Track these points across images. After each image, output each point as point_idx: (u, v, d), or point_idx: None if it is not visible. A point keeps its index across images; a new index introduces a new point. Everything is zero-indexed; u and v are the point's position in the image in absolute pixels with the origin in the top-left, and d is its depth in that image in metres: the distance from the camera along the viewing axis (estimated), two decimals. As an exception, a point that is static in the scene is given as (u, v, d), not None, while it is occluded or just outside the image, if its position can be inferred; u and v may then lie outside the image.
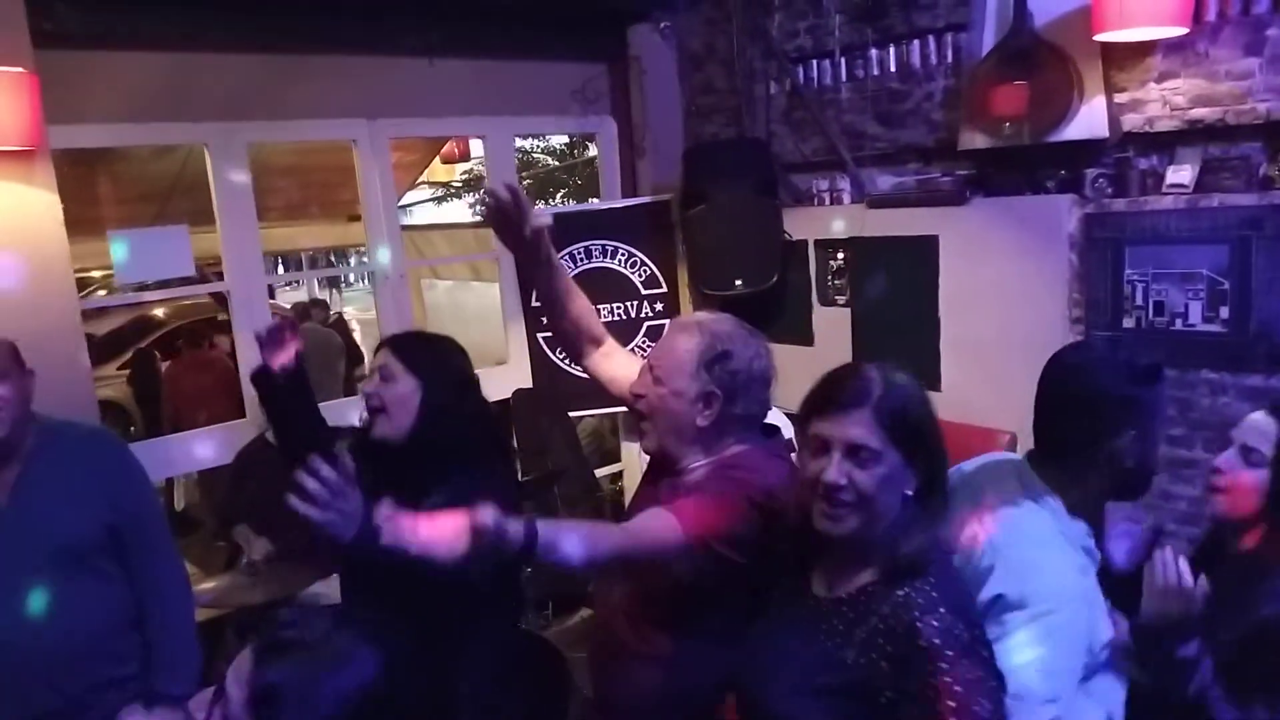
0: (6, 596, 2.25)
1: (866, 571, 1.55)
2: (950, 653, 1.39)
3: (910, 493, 1.52)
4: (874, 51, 4.26)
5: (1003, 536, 1.70)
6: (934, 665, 1.38)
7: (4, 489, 2.32)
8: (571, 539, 1.66)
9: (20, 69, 3.02)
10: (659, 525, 1.82)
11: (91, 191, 7.17)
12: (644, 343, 4.91)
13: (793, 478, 1.97)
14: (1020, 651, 1.55)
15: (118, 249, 3.77)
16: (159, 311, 9.85)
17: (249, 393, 3.95)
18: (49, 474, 2.36)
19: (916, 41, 4.11)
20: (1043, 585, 1.61)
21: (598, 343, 2.41)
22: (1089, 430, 1.72)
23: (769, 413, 2.19)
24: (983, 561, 1.68)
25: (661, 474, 2.15)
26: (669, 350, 2.08)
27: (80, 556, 2.38)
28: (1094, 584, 1.70)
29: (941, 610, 1.43)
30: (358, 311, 20.91)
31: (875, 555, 1.55)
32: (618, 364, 2.42)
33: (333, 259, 17.14)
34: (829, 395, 1.57)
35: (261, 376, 2.52)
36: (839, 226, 4.45)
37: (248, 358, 3.99)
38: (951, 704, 1.36)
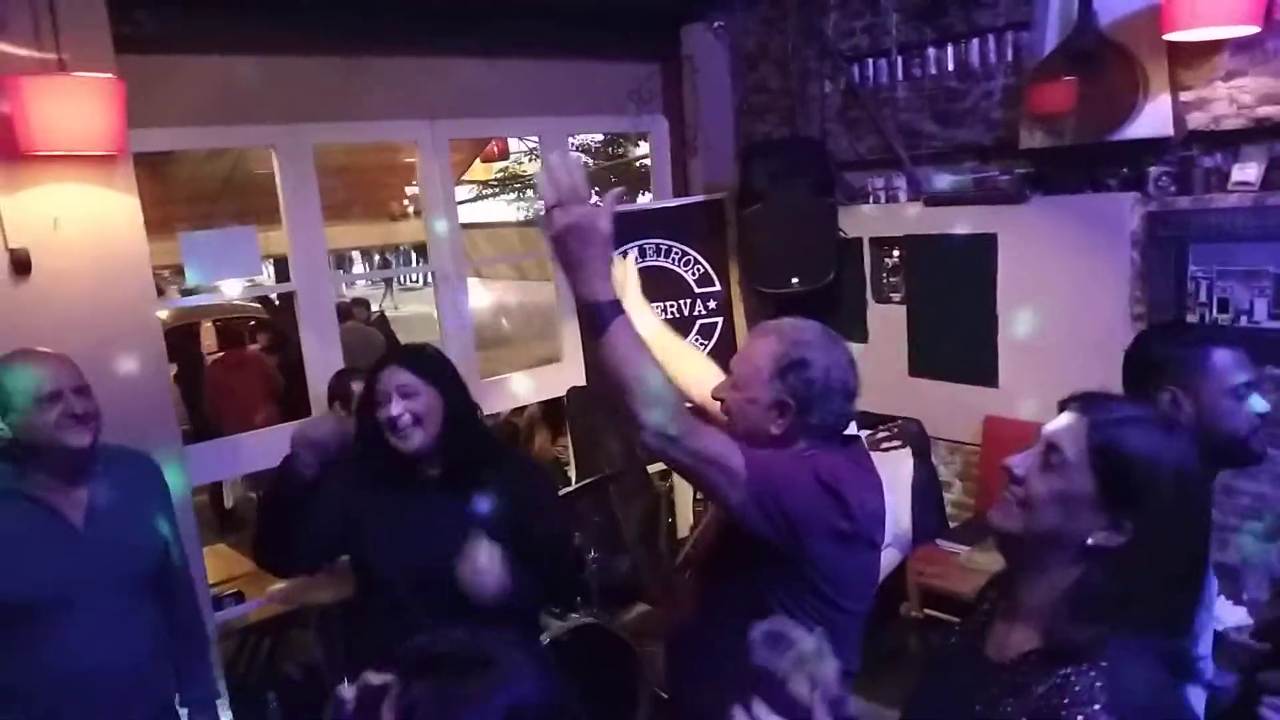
0: (89, 620, 2.22)
1: (1033, 636, 1.35)
2: None
3: (1093, 543, 1.29)
4: (932, 50, 4.28)
5: None
6: None
7: (78, 510, 2.28)
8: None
9: (108, 75, 3.09)
10: (724, 444, 1.81)
11: (143, 193, 7.27)
12: (697, 340, 4.95)
13: (869, 478, 2.01)
14: None
15: (189, 250, 3.84)
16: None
17: (315, 391, 4.03)
18: (115, 497, 2.32)
19: (976, 40, 4.11)
20: None
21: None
22: (1139, 394, 1.84)
23: (849, 424, 2.12)
24: None
25: None
26: (748, 355, 2.07)
27: (149, 579, 2.40)
28: None
29: (1097, 706, 1.21)
30: (390, 311, 21.15)
31: (1045, 618, 1.34)
32: (690, 370, 2.33)
33: (388, 258, 17.37)
34: (1074, 396, 1.42)
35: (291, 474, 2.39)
36: (910, 213, 4.46)
37: (314, 357, 4.08)
38: None
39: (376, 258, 17.66)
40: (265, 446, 4.03)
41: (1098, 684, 1.23)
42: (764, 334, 2.10)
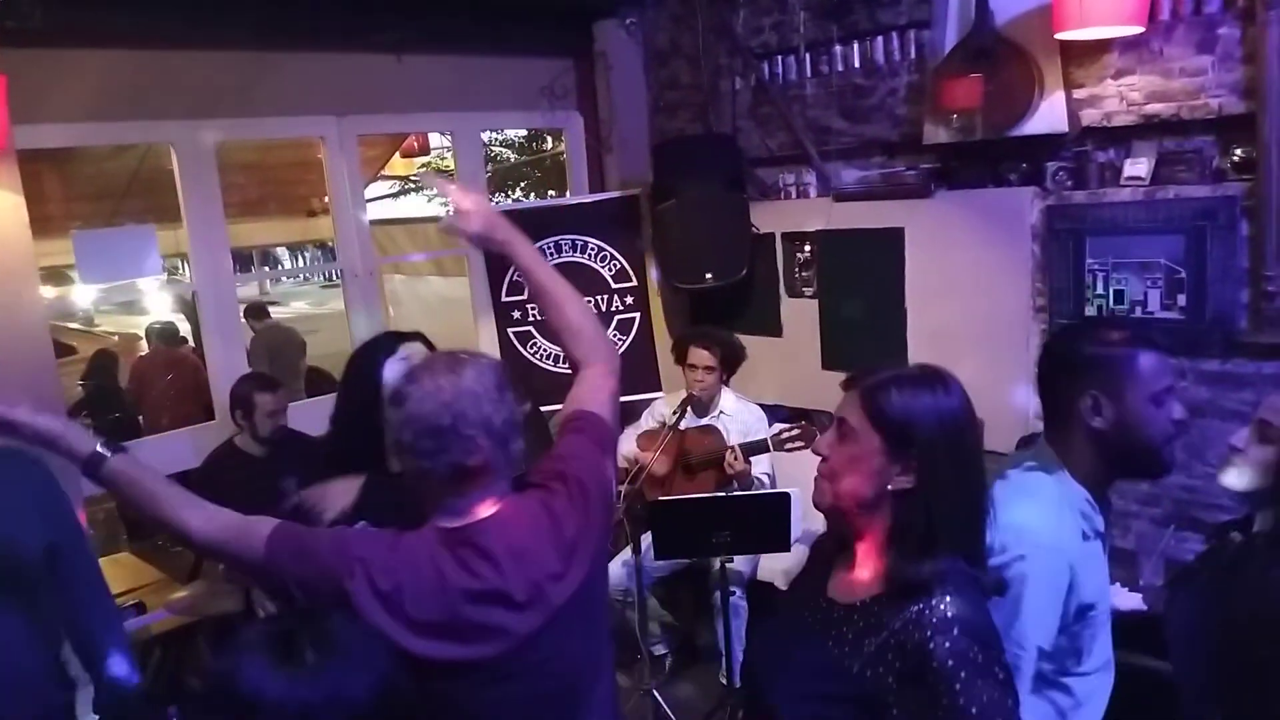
0: None
1: (875, 580, 1.50)
2: (963, 674, 1.35)
3: (892, 488, 1.48)
4: (838, 47, 4.34)
5: (999, 495, 1.78)
6: (946, 686, 1.35)
7: None
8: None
9: (-13, 70, 2.98)
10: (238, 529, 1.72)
11: (45, 190, 7.05)
12: (614, 336, 4.95)
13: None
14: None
15: (83, 250, 3.73)
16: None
17: (221, 398, 3.94)
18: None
19: (880, 38, 4.19)
20: (1017, 532, 1.70)
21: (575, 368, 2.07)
22: (1059, 395, 1.80)
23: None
24: None
25: None
26: None
27: (24, 583, 2.27)
28: (1079, 543, 1.75)
29: (955, 631, 1.38)
30: (311, 307, 20.80)
31: (881, 561, 1.51)
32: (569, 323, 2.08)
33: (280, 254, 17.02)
34: (851, 377, 1.59)
35: None
36: (820, 209, 4.52)
37: (217, 360, 3.99)
38: None
39: (308, 254, 17.34)
40: (179, 449, 3.94)
41: (948, 614, 1.39)
42: None
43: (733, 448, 3.95)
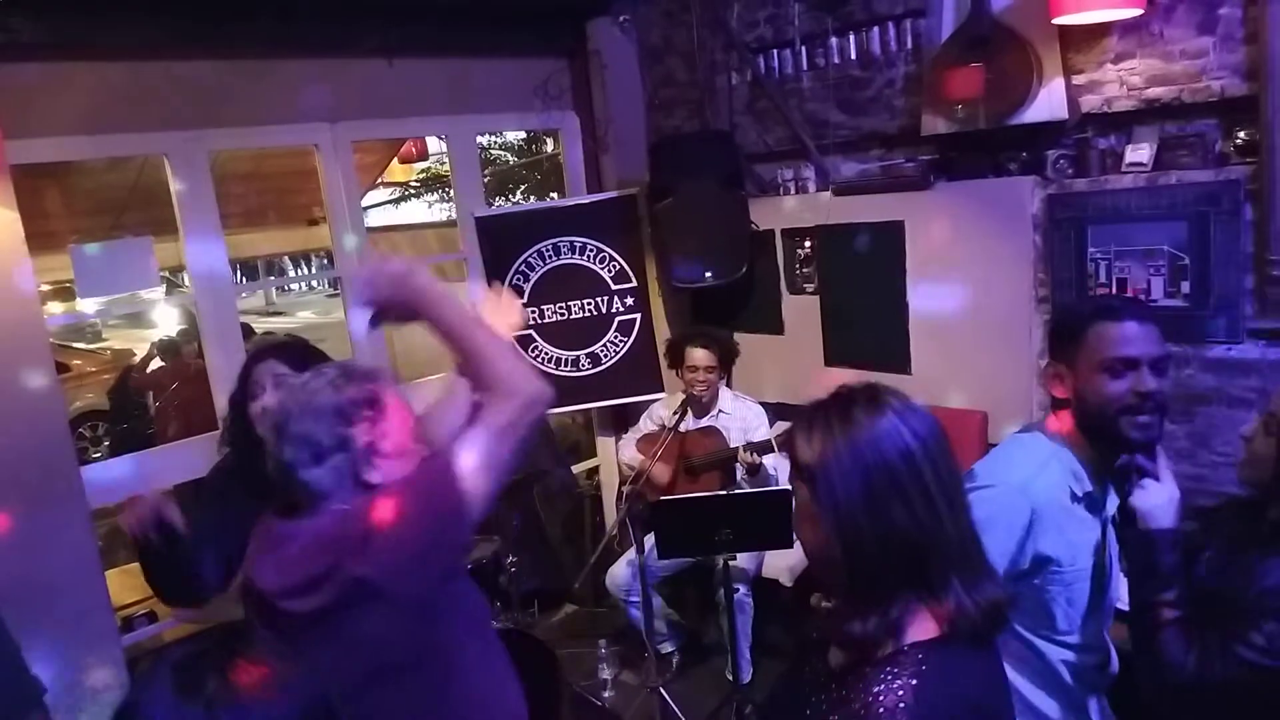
0: None
1: (847, 644, 1.34)
2: None
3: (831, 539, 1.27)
4: (834, 40, 4.29)
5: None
6: None
7: None
8: None
9: (-25, 85, 2.97)
10: None
11: (44, 204, 7.06)
12: (615, 338, 4.92)
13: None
14: None
15: (80, 264, 3.72)
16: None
17: (223, 408, 3.91)
18: None
19: (876, 29, 4.14)
20: (995, 466, 1.81)
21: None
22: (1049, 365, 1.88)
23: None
24: None
25: None
26: None
27: None
28: (1055, 496, 1.78)
29: (896, 687, 1.21)
30: (317, 316, 20.85)
31: (841, 620, 1.32)
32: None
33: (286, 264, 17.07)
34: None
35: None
36: (820, 204, 4.48)
37: (219, 372, 3.96)
38: None
39: (313, 263, 17.35)
40: (191, 458, 3.91)
41: (902, 703, 1.19)
42: None
43: (748, 444, 3.92)
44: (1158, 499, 1.75)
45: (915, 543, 1.24)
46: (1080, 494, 1.81)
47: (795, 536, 1.43)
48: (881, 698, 1.20)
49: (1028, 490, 1.76)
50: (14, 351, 3.16)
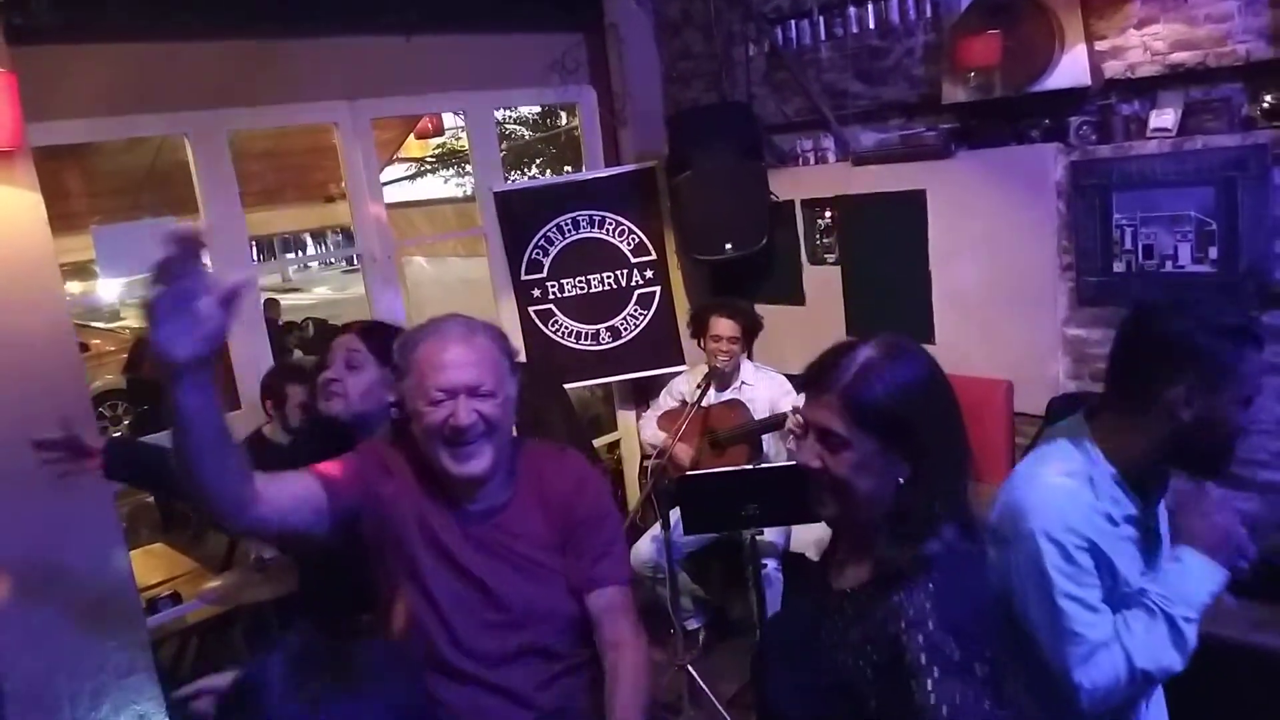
0: None
1: (866, 566, 1.45)
2: (936, 670, 1.28)
3: (903, 480, 1.39)
4: (852, 9, 4.26)
5: (1023, 464, 1.79)
6: (918, 683, 1.28)
7: None
8: None
9: (-1, 69, 2.98)
10: None
11: (64, 186, 7.09)
12: (635, 311, 4.92)
13: None
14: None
15: (101, 245, 3.74)
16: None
17: (244, 386, 3.96)
18: None
19: (895, -3, 4.10)
20: (1035, 507, 1.68)
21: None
22: (1139, 374, 1.68)
23: None
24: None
25: None
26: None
27: None
28: (1099, 529, 1.67)
29: (930, 624, 1.30)
30: (333, 292, 20.89)
31: (873, 548, 1.44)
32: (287, 483, 1.80)
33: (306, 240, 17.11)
34: (808, 376, 1.48)
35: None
36: (839, 174, 4.46)
37: (241, 353, 3.99)
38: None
39: (329, 240, 17.38)
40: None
41: (927, 604, 1.32)
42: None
43: (795, 407, 3.87)
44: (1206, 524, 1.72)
45: (963, 467, 1.43)
46: (1120, 518, 1.70)
47: (831, 500, 1.45)
48: (905, 601, 1.34)
49: (1076, 531, 1.66)
50: (38, 332, 3.18)
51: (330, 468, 1.85)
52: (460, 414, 1.76)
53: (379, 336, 2.38)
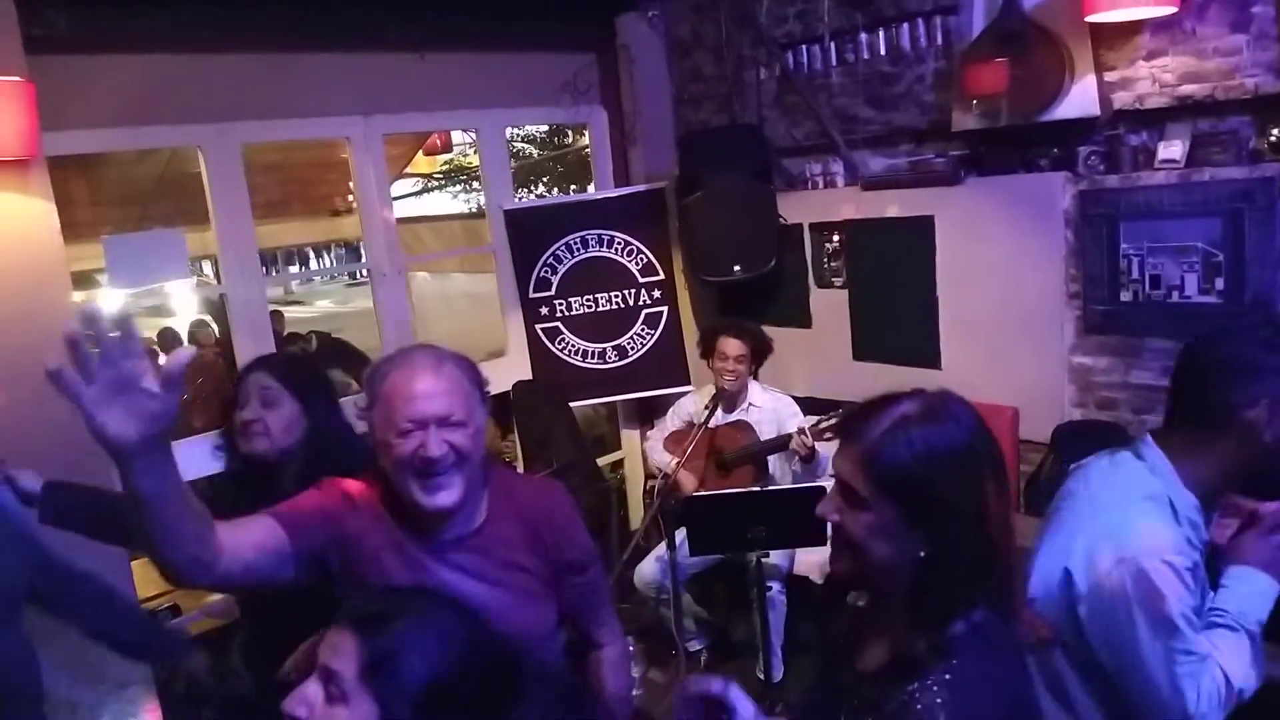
0: None
1: (883, 649, 1.35)
2: None
3: (924, 555, 1.26)
4: (864, 35, 4.29)
5: (1101, 491, 1.75)
6: None
7: None
8: None
9: (16, 78, 2.99)
10: None
11: (72, 195, 7.10)
12: (642, 330, 4.94)
13: None
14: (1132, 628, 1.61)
15: (113, 254, 3.75)
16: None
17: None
18: None
19: (906, 24, 4.13)
20: (1140, 542, 1.64)
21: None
22: (1213, 395, 1.66)
23: None
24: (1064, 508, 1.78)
25: None
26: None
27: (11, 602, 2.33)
28: (1182, 549, 1.66)
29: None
30: (336, 306, 20.91)
31: (890, 630, 1.34)
32: (233, 533, 1.69)
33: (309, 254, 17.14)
34: (844, 422, 1.37)
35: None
36: (848, 198, 4.49)
37: (249, 357, 3.99)
38: None
39: (332, 254, 17.47)
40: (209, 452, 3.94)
41: (938, 700, 1.21)
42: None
43: (802, 429, 3.87)
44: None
45: (998, 547, 1.27)
46: (1197, 541, 1.69)
47: (847, 558, 1.35)
48: (917, 696, 1.22)
49: (1182, 552, 1.65)
50: (50, 340, 3.19)
51: (290, 509, 1.81)
52: (430, 445, 1.73)
53: (287, 369, 2.38)
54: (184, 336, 9.03)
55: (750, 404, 4.24)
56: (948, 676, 1.23)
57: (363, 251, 4.62)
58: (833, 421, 3.79)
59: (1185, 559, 1.63)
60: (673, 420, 4.53)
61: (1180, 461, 1.70)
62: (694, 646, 4.36)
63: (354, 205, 9.72)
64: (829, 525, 1.36)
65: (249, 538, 1.68)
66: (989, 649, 1.26)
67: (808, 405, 4.38)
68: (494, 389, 2.35)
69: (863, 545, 1.30)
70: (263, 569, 1.70)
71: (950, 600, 1.26)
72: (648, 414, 5.24)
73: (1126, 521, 1.67)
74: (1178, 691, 1.61)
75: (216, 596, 3.39)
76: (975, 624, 1.26)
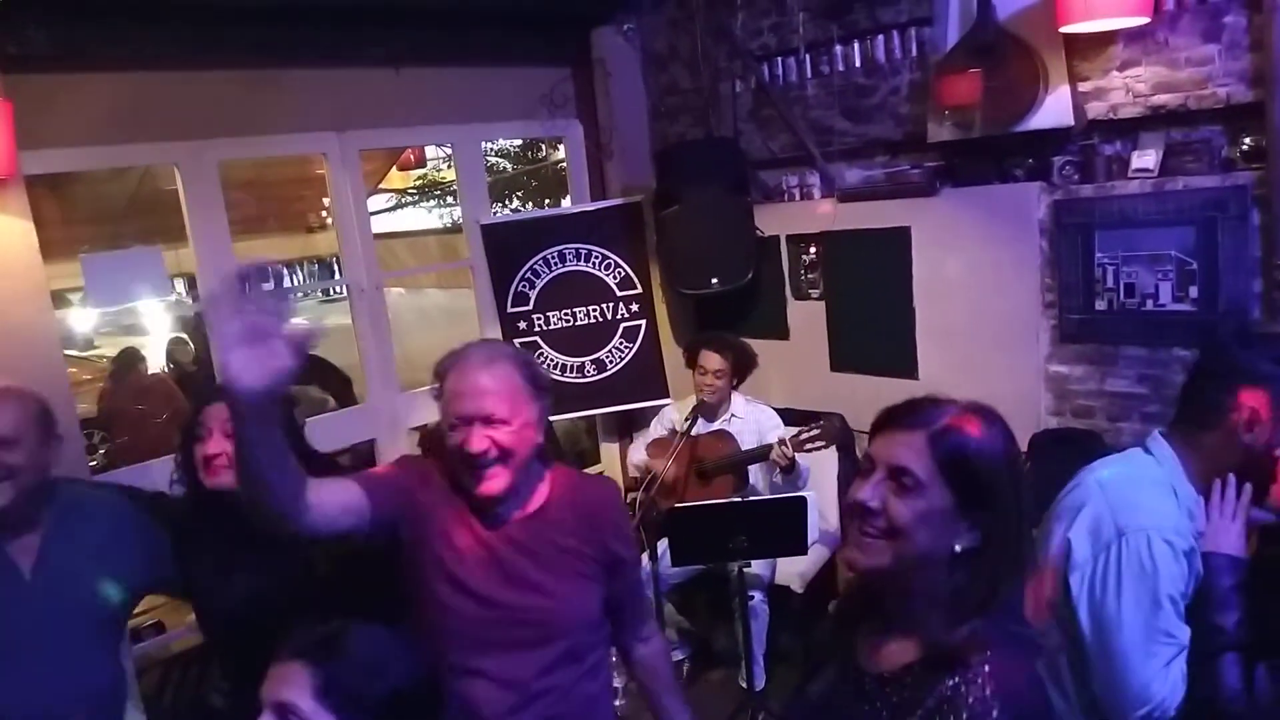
0: (37, 664, 2.15)
1: (910, 646, 1.35)
2: None
3: (960, 549, 1.30)
4: (839, 48, 4.33)
5: (1110, 475, 1.85)
6: None
7: (28, 558, 2.19)
8: None
9: (-8, 96, 2.97)
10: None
11: (44, 214, 7.01)
12: (620, 344, 4.94)
13: None
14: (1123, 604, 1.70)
15: (91, 273, 3.72)
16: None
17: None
18: (69, 544, 2.24)
19: (881, 36, 4.18)
20: (1138, 512, 1.75)
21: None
22: (1211, 396, 1.80)
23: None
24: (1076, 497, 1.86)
25: None
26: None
27: (109, 621, 2.31)
28: (1182, 532, 1.76)
29: (995, 713, 1.23)
30: (310, 323, 20.71)
31: (920, 626, 1.34)
32: (332, 492, 1.89)
33: (285, 272, 16.99)
34: (892, 413, 1.39)
35: None
36: (825, 210, 4.52)
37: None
38: None
39: (305, 270, 17.29)
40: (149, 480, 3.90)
41: (988, 690, 1.24)
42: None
43: (782, 439, 3.88)
44: (1224, 523, 1.77)
45: (1026, 552, 1.39)
46: (1193, 533, 1.78)
47: (885, 549, 1.33)
48: (964, 690, 1.25)
49: (1182, 535, 1.74)
50: (29, 359, 3.16)
51: (371, 476, 1.98)
52: (472, 441, 1.86)
53: None
54: (162, 354, 8.94)
55: (732, 414, 4.25)
56: (987, 668, 1.26)
57: (338, 268, 4.59)
58: (814, 433, 3.82)
59: (1184, 541, 1.73)
60: (657, 428, 4.54)
61: (1183, 455, 1.83)
62: (676, 656, 4.35)
63: (328, 221, 9.72)
64: (857, 518, 1.35)
65: (334, 498, 1.84)
66: (1015, 640, 1.32)
67: (787, 416, 4.39)
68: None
69: (908, 532, 1.30)
70: (342, 526, 1.86)
71: (990, 594, 1.29)
72: (627, 427, 5.23)
73: (1133, 499, 1.79)
74: (1144, 669, 1.69)
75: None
76: (1000, 618, 1.30)
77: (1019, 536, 1.33)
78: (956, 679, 1.26)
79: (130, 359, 7.95)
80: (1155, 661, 1.69)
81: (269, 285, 1.41)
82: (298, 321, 1.48)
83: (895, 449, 1.33)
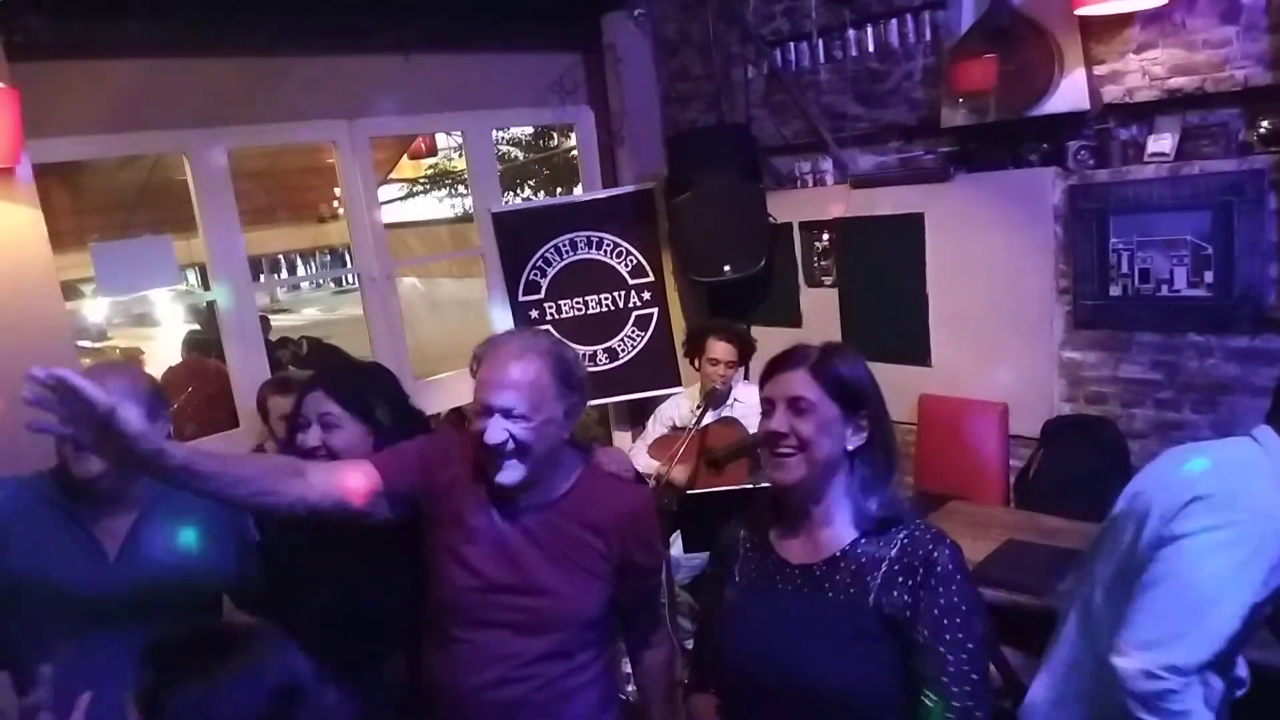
0: (105, 659, 1.94)
1: (835, 535, 1.70)
2: (959, 576, 1.60)
3: (852, 447, 1.67)
4: (852, 32, 4.29)
5: (1219, 456, 1.85)
6: (946, 586, 1.58)
7: (114, 540, 2.11)
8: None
9: None
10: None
11: (54, 203, 7.04)
12: (632, 332, 4.93)
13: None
14: (1214, 552, 1.71)
15: (101, 262, 3.72)
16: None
17: (244, 404, 3.93)
18: (162, 528, 2.16)
19: (894, 21, 4.15)
20: (1236, 493, 1.76)
21: (298, 473, 1.91)
22: None
23: None
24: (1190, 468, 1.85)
25: None
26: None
27: (198, 608, 2.20)
28: None
29: (947, 541, 1.63)
30: (323, 314, 20.81)
31: (845, 516, 1.69)
32: (328, 474, 1.95)
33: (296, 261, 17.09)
34: (775, 361, 1.76)
35: None
36: (838, 196, 4.48)
37: (239, 369, 3.98)
38: (957, 619, 1.57)
39: (317, 260, 17.36)
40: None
41: (930, 533, 1.65)
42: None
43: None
44: None
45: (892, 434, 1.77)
46: None
47: (800, 461, 1.66)
48: (916, 534, 1.65)
49: (1274, 518, 1.74)
50: (41, 350, 3.16)
51: (390, 453, 2.02)
52: (490, 432, 1.88)
53: (345, 387, 2.24)
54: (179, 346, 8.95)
55: (736, 400, 4.23)
56: (919, 521, 1.70)
57: (349, 257, 4.59)
58: None
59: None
60: (655, 428, 4.51)
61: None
62: (690, 645, 4.34)
63: (340, 211, 9.73)
64: (772, 445, 1.69)
65: (340, 481, 1.91)
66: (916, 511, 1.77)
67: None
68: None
69: (813, 442, 1.65)
70: (354, 508, 1.92)
71: (888, 472, 1.70)
72: (639, 416, 5.22)
73: (1251, 486, 1.78)
74: (1215, 636, 1.70)
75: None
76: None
77: (889, 428, 1.72)
78: (905, 531, 1.66)
79: (204, 343, 7.98)
80: (1224, 629, 1.70)
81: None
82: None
83: (788, 384, 1.69)
